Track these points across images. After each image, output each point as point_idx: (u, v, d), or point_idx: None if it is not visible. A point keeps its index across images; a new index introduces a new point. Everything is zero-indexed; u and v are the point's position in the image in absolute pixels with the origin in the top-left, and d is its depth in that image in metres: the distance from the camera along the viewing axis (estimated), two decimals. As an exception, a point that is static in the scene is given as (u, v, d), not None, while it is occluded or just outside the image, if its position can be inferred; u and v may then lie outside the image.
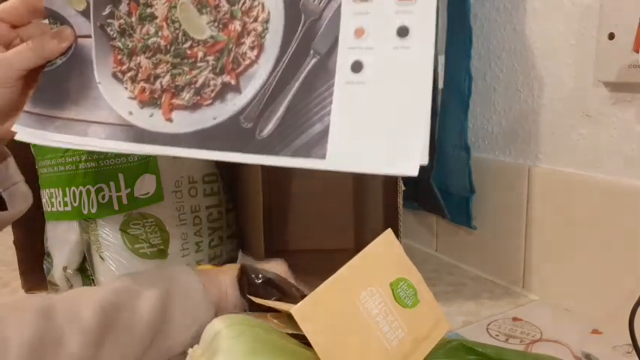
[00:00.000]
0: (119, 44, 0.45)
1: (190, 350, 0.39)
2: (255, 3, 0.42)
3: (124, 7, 0.45)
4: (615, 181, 0.56)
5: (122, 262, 0.64)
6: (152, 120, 0.44)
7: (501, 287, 0.69)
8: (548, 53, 0.62)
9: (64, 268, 0.66)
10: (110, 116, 0.44)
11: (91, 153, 0.63)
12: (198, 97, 0.43)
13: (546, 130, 0.63)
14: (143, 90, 0.44)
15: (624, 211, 0.54)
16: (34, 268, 0.70)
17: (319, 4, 0.40)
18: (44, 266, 0.69)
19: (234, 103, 0.42)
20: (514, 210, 0.66)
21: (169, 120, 0.43)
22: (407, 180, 0.66)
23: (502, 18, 0.66)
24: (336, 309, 0.36)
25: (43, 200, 0.67)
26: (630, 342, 0.48)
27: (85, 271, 0.67)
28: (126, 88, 0.45)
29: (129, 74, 0.45)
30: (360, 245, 0.41)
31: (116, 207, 0.63)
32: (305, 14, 0.40)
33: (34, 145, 0.65)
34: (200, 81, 0.43)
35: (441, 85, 0.70)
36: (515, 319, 0.60)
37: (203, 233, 0.69)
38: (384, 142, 0.38)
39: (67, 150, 0.63)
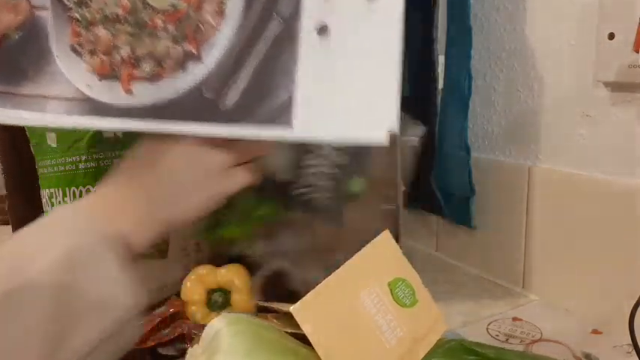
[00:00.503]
0: (77, 15, 0.43)
1: (190, 349, 0.39)
2: None
3: None
4: (615, 181, 0.56)
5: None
6: (112, 93, 0.42)
7: (501, 287, 0.68)
8: (548, 53, 0.62)
9: (64, 268, 0.66)
10: (68, 91, 0.43)
11: (91, 153, 0.63)
12: (159, 68, 0.42)
13: (546, 130, 0.63)
14: (102, 62, 0.43)
15: (624, 211, 0.54)
16: (34, 267, 0.70)
17: None
18: (44, 266, 0.69)
19: (196, 73, 0.41)
20: (514, 210, 0.66)
21: (130, 92, 0.42)
22: (407, 180, 0.66)
23: (502, 18, 0.66)
24: (336, 308, 0.36)
25: (43, 200, 0.67)
26: (630, 342, 0.48)
27: (85, 271, 0.67)
28: (84, 61, 0.43)
29: (87, 47, 0.44)
30: (360, 245, 0.41)
31: (116, 207, 0.63)
32: None
33: (34, 145, 0.65)
34: (160, 51, 0.42)
35: (441, 85, 0.70)
36: (515, 319, 0.60)
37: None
38: (352, 109, 0.37)
39: (68, 150, 0.63)
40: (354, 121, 0.37)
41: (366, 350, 0.36)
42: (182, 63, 0.41)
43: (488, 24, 0.68)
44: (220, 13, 0.40)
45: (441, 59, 0.70)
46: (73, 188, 0.64)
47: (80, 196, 0.63)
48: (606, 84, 0.56)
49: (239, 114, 0.39)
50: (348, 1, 0.37)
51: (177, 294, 0.56)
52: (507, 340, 0.55)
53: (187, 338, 0.49)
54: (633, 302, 0.49)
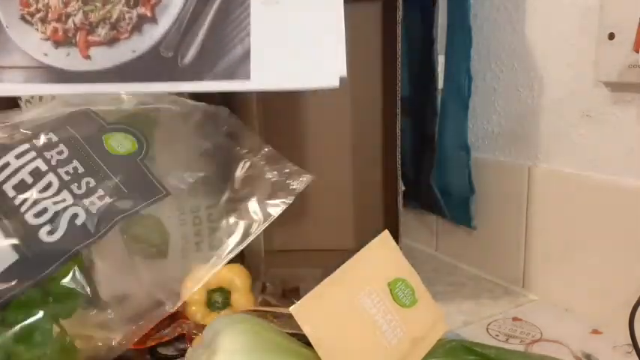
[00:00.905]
0: None
1: (190, 349, 0.39)
2: None
3: None
4: (615, 181, 0.56)
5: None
6: (70, 59, 0.43)
7: (501, 287, 0.69)
8: (548, 53, 0.62)
9: (64, 268, 0.66)
10: (24, 59, 0.44)
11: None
12: (115, 32, 0.43)
13: (546, 130, 0.63)
14: (56, 30, 0.44)
15: (624, 211, 0.54)
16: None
17: None
18: (44, 266, 0.69)
19: (152, 34, 0.42)
20: (514, 210, 0.66)
21: (87, 57, 0.43)
22: (407, 180, 0.66)
23: (502, 18, 0.66)
24: (336, 308, 0.36)
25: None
26: (630, 342, 0.48)
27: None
28: (37, 30, 0.44)
29: (38, 15, 0.44)
30: (360, 245, 0.41)
31: (116, 207, 0.63)
32: None
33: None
34: (115, 15, 0.43)
35: (440, 85, 0.70)
36: (515, 319, 0.60)
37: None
38: (304, 57, 0.40)
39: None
40: (307, 69, 0.40)
41: (366, 350, 0.36)
42: (138, 26, 0.43)
43: (488, 24, 0.68)
44: None
45: (441, 59, 0.70)
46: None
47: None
48: (606, 84, 0.56)
49: (198, 70, 0.41)
50: None
51: (177, 294, 0.56)
52: (507, 340, 0.55)
53: (187, 338, 0.50)
54: (633, 302, 0.49)
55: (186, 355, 0.39)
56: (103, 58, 0.43)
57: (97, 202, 0.43)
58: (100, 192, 0.43)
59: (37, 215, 0.40)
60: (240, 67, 0.40)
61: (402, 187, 0.63)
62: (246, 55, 0.40)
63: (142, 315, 0.55)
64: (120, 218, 0.44)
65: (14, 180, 0.41)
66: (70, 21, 0.44)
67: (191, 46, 0.41)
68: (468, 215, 0.71)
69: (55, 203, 0.41)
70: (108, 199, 0.43)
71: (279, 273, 0.67)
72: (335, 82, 0.40)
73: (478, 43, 0.69)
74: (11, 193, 0.40)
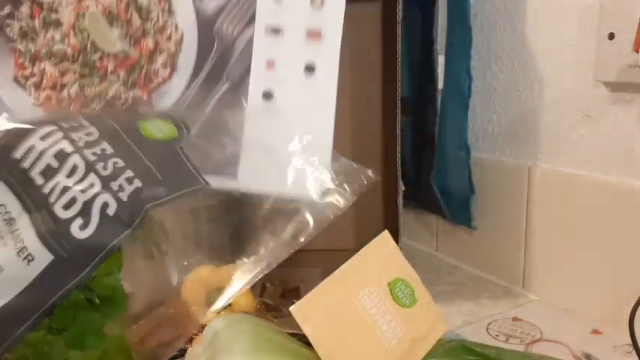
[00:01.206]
0: (20, 47, 0.43)
1: (190, 349, 0.39)
2: (169, 22, 0.42)
3: (25, 9, 0.43)
4: (615, 181, 0.56)
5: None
6: None
7: (501, 287, 0.69)
8: (548, 53, 0.62)
9: (64, 268, 0.66)
10: (14, 123, 0.43)
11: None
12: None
13: (546, 130, 0.63)
14: (49, 98, 0.43)
15: (624, 211, 0.54)
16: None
17: (232, 32, 0.42)
18: (44, 266, 0.68)
19: None
20: (514, 210, 0.66)
21: None
22: (407, 180, 0.66)
23: (502, 18, 0.66)
24: (335, 308, 0.36)
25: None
26: (630, 342, 0.48)
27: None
28: (29, 95, 0.43)
29: (32, 80, 0.44)
30: (360, 245, 0.41)
31: (116, 207, 0.63)
32: (218, 40, 0.42)
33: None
34: (110, 93, 0.43)
35: (440, 85, 0.70)
36: (515, 319, 0.60)
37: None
38: (291, 168, 0.41)
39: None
40: (293, 178, 0.41)
41: (366, 350, 0.36)
42: (133, 108, 0.43)
43: (488, 24, 0.68)
44: (172, 65, 0.43)
45: (441, 59, 0.70)
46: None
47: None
48: (606, 84, 0.56)
49: None
50: (290, 73, 0.42)
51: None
52: (507, 340, 0.55)
53: (187, 338, 0.49)
54: (633, 302, 0.49)
55: (186, 355, 0.39)
56: None
57: (126, 185, 0.38)
58: (129, 173, 0.38)
59: (66, 207, 0.36)
60: (229, 167, 0.41)
61: (402, 187, 0.63)
62: (235, 158, 0.41)
63: (142, 315, 0.55)
64: (151, 206, 0.40)
65: (40, 165, 0.37)
66: (65, 91, 0.43)
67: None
68: (468, 215, 0.71)
69: (82, 191, 0.37)
70: (138, 183, 0.39)
71: (279, 273, 0.67)
72: (317, 198, 0.42)
73: (478, 43, 0.69)
74: (39, 180, 0.36)
